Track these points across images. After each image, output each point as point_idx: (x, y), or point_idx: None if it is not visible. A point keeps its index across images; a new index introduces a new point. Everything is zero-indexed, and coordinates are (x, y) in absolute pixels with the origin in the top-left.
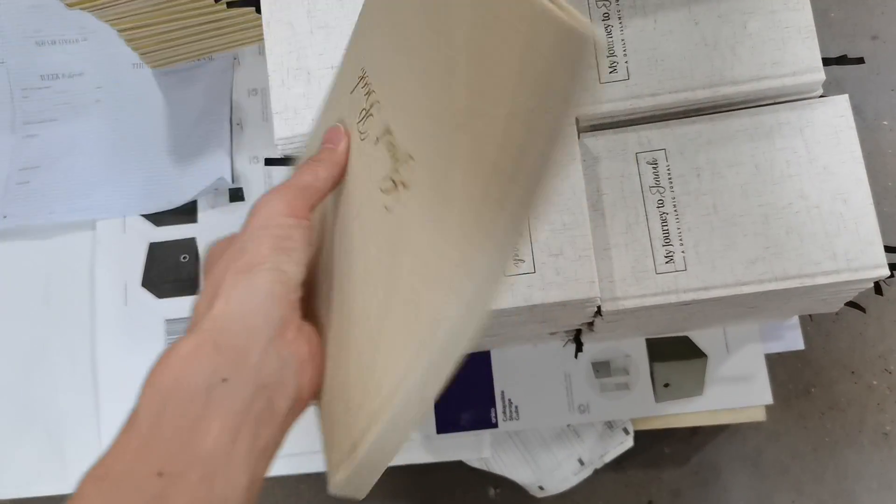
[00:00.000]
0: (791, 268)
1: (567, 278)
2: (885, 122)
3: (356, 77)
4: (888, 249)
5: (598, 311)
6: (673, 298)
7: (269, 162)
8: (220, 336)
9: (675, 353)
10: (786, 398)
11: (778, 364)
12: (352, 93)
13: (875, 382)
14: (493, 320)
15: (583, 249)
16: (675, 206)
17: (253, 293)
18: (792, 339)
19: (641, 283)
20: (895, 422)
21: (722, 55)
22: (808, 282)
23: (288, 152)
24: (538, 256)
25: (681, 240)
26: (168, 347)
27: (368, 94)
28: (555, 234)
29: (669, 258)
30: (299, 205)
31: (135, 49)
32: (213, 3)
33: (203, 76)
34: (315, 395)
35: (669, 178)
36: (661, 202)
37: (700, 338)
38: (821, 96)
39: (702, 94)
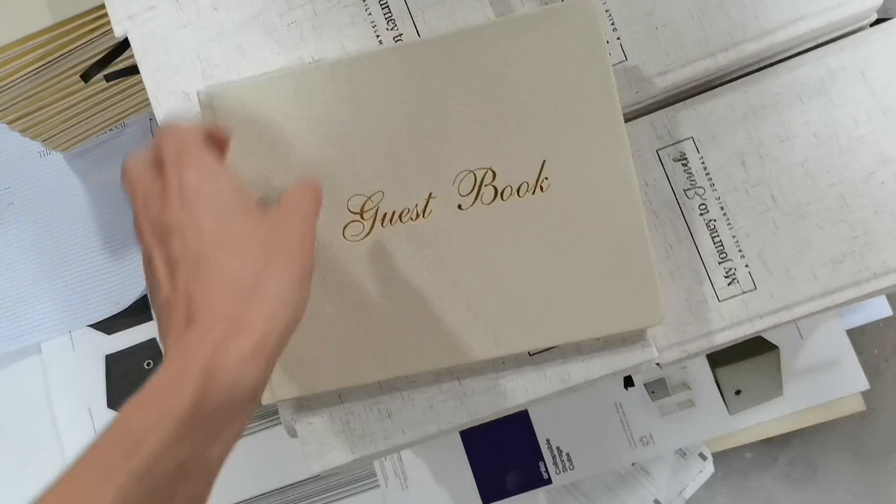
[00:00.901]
0: (892, 258)
1: (611, 340)
2: None
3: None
4: None
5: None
6: (747, 329)
7: None
8: None
9: (740, 352)
10: (874, 366)
11: (855, 331)
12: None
13: None
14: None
15: None
16: (722, 208)
17: None
18: (876, 307)
19: (702, 318)
20: None
21: (739, 1)
22: None
23: None
24: None
25: (740, 250)
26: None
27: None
28: None
29: (731, 277)
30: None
31: (34, 137)
32: (84, 83)
33: (119, 148)
34: None
35: (707, 174)
36: (703, 207)
37: None
38: (874, 22)
39: (724, 59)
